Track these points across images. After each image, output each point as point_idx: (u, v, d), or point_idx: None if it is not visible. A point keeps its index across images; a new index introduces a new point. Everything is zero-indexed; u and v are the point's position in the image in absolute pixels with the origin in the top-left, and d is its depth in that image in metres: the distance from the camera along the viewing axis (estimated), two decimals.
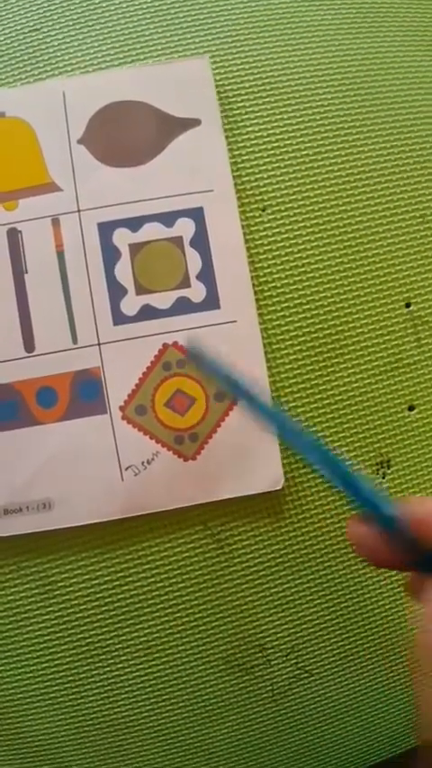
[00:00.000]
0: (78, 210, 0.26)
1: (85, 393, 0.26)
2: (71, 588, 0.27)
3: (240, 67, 0.28)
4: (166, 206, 0.26)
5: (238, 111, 0.27)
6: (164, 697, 0.28)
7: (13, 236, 0.26)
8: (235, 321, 0.26)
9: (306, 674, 0.28)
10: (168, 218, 0.26)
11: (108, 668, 0.27)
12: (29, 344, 0.26)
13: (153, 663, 0.27)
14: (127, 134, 0.27)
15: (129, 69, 0.27)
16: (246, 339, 0.26)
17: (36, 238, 0.26)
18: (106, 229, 0.26)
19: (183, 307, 0.26)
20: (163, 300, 0.26)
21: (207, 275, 0.26)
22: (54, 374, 0.26)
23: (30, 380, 0.26)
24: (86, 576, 0.27)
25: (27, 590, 0.27)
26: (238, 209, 0.27)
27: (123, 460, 0.25)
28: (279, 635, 0.28)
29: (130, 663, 0.27)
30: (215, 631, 0.27)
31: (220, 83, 0.27)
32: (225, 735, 0.29)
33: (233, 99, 0.27)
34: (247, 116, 0.27)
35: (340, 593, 0.28)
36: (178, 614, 0.27)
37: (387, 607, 0.29)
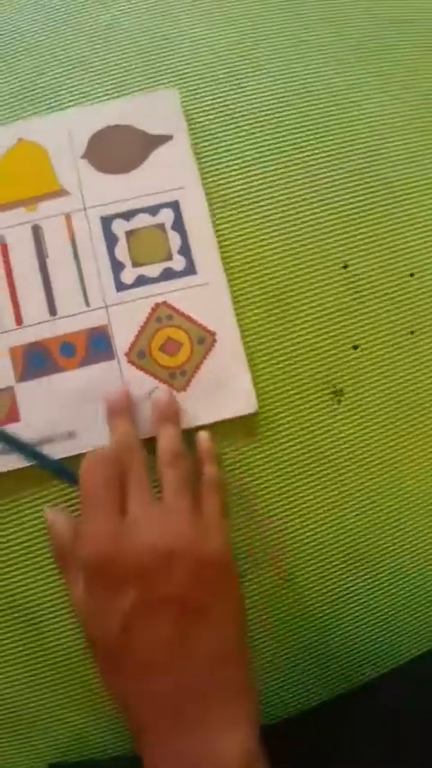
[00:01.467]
0: (84, 208, 0.34)
1: (97, 344, 0.33)
2: None
3: (202, 94, 0.36)
4: (151, 201, 0.34)
5: (201, 127, 0.36)
6: None
7: (36, 230, 0.34)
8: (208, 283, 0.34)
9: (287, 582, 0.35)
10: (153, 210, 0.34)
11: None
12: (52, 310, 0.34)
13: None
14: (118, 149, 0.35)
15: (117, 101, 0.36)
16: (218, 296, 0.34)
17: (53, 231, 0.34)
18: (107, 221, 0.34)
19: (168, 274, 0.34)
20: (153, 270, 0.34)
21: (185, 250, 0.34)
22: (72, 331, 0.33)
23: (54, 338, 0.33)
24: None
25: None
26: (207, 199, 0.35)
27: (131, 394, 0.33)
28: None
29: None
30: None
31: (187, 106, 0.36)
32: None
33: (197, 118, 0.36)
34: (209, 130, 0.36)
35: (314, 505, 0.35)
36: None
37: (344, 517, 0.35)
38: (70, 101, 0.36)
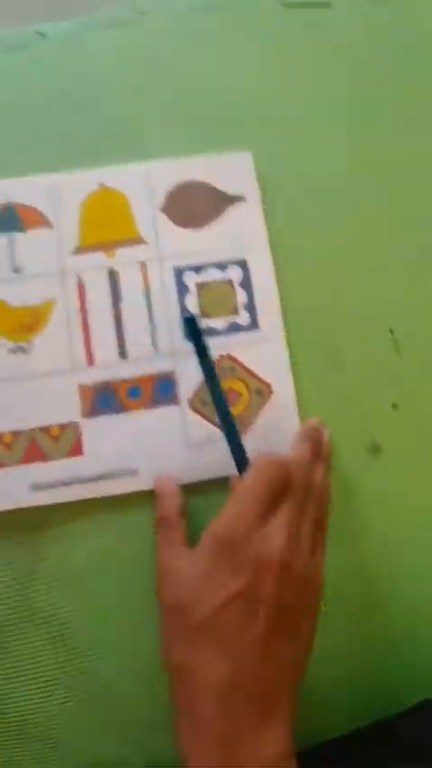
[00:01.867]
0: (159, 258, 0.36)
1: (163, 389, 0.35)
2: None
3: (275, 157, 0.39)
4: (221, 257, 0.37)
5: (272, 188, 0.38)
6: None
7: (113, 275, 0.36)
8: (269, 339, 0.36)
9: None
10: (223, 266, 0.37)
11: None
12: (122, 353, 0.35)
13: None
14: (193, 204, 0.37)
15: (195, 158, 0.38)
16: (277, 352, 0.36)
17: (129, 277, 0.36)
18: (179, 272, 0.36)
19: (233, 328, 0.36)
20: (219, 323, 0.36)
21: (250, 306, 0.36)
22: (140, 375, 0.35)
23: (123, 380, 0.35)
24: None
25: None
26: (272, 260, 0.37)
27: (190, 438, 0.35)
28: None
29: None
30: None
31: (260, 168, 0.38)
32: None
33: (269, 180, 0.38)
34: (279, 192, 0.38)
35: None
36: None
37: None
38: (152, 152, 0.38)
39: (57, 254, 0.36)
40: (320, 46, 0.41)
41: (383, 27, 0.43)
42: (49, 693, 0.35)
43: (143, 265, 0.36)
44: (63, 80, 0.40)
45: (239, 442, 0.33)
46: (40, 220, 0.37)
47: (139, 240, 0.36)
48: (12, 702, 0.34)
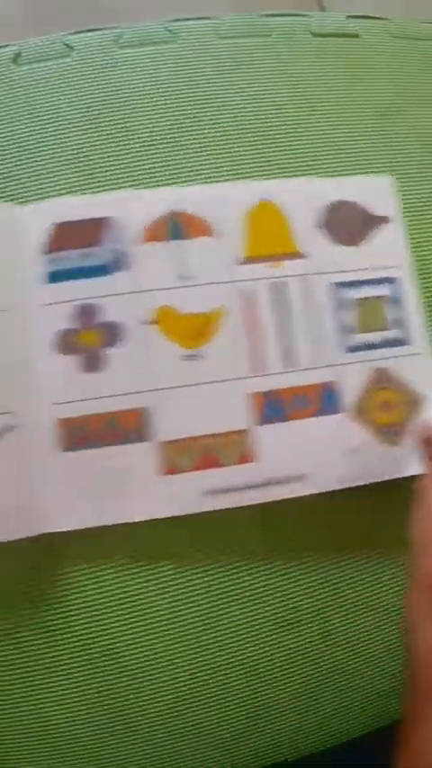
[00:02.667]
0: (319, 273, 0.38)
1: (327, 399, 0.37)
2: None
3: (415, 182, 0.42)
4: (374, 274, 0.39)
5: (414, 211, 0.41)
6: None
7: (279, 287, 0.38)
8: (420, 353, 0.39)
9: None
10: (375, 283, 0.39)
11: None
12: (290, 363, 0.37)
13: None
14: (345, 223, 0.39)
15: (345, 179, 0.40)
16: (427, 364, 0.39)
17: (294, 290, 0.38)
18: (337, 288, 0.38)
19: (388, 342, 0.39)
20: (375, 337, 0.38)
21: (401, 322, 0.39)
22: (307, 384, 0.37)
23: (291, 388, 0.37)
24: None
25: None
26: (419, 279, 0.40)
27: (351, 445, 0.37)
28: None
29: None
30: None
31: (402, 192, 0.41)
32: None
33: (410, 202, 0.41)
34: (419, 214, 0.41)
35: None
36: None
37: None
38: (305, 170, 0.40)
39: (224, 264, 0.38)
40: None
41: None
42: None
43: (304, 279, 0.38)
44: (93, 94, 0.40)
45: None
46: (204, 230, 0.38)
47: (299, 255, 0.38)
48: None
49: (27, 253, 0.37)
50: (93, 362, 0.36)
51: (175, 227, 0.38)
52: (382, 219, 0.40)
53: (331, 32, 0.44)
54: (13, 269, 0.37)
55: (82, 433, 0.36)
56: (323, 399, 0.37)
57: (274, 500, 0.36)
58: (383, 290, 0.39)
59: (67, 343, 0.37)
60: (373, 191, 0.40)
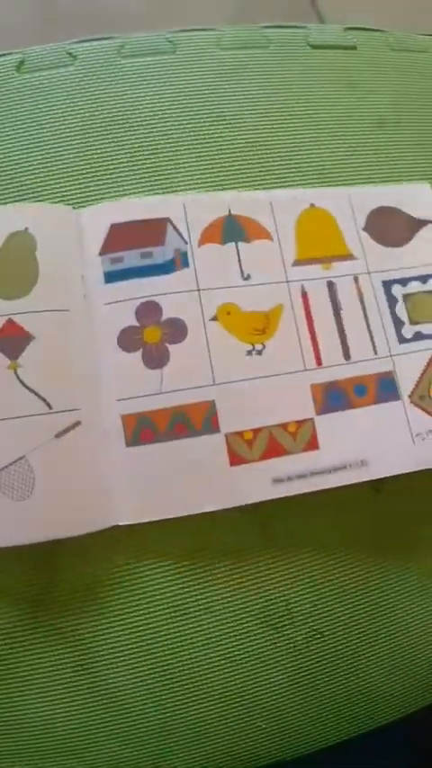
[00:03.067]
0: (368, 272, 0.40)
1: (384, 387, 0.39)
2: None
3: None
4: (420, 272, 0.41)
5: None
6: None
7: (331, 286, 0.39)
8: None
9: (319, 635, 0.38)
10: (423, 279, 0.41)
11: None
12: (347, 355, 0.39)
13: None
14: (390, 226, 0.42)
15: (387, 186, 0.43)
16: None
17: (345, 288, 0.40)
18: (387, 285, 0.40)
19: None
20: (427, 328, 0.40)
21: None
22: (364, 374, 0.39)
23: (349, 378, 0.38)
24: None
25: None
26: None
27: (413, 430, 0.38)
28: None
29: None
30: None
31: None
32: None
33: None
34: None
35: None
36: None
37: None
38: (353, 179, 0.42)
39: (280, 265, 0.39)
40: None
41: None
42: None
43: (355, 279, 0.40)
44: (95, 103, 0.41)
45: None
46: (262, 233, 0.40)
47: (349, 256, 0.40)
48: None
49: (86, 253, 0.38)
50: (157, 358, 0.37)
51: (234, 230, 0.39)
52: (424, 222, 0.42)
53: (329, 44, 0.45)
54: (72, 270, 0.38)
55: (148, 428, 0.37)
56: (380, 388, 0.39)
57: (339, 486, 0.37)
58: (430, 286, 0.41)
59: (130, 340, 0.38)
60: (413, 196, 0.43)
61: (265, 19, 0.46)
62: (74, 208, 0.39)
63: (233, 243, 0.39)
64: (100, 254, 0.38)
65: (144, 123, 0.42)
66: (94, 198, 0.40)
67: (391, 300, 0.40)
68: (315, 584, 0.38)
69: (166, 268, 0.38)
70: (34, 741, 0.36)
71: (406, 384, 0.39)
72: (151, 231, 0.39)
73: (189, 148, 0.41)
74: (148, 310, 0.38)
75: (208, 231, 0.39)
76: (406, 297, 0.40)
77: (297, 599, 0.38)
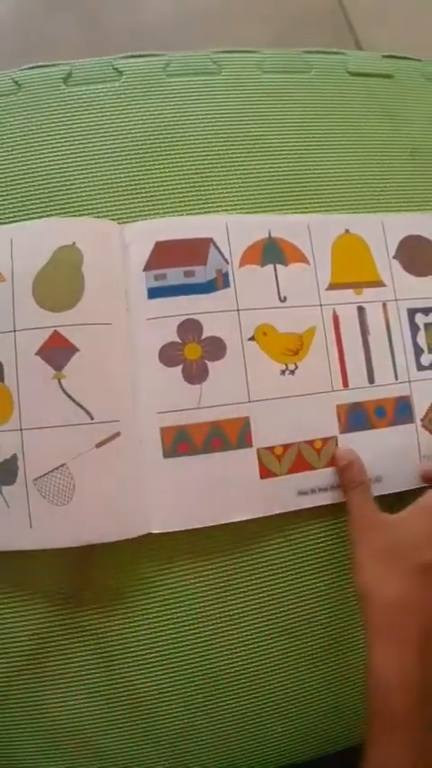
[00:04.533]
0: (396, 300, 0.43)
1: (401, 410, 0.42)
2: None
3: None
4: None
5: None
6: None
7: (361, 311, 0.42)
8: None
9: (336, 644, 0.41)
10: None
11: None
12: (371, 378, 0.41)
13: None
14: (418, 255, 0.44)
15: (419, 214, 0.44)
16: None
17: (373, 314, 0.42)
18: (411, 313, 0.43)
19: None
20: None
21: None
22: (385, 397, 0.41)
23: (371, 401, 0.41)
24: None
25: None
26: None
27: (422, 451, 0.42)
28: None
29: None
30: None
31: None
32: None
33: None
34: None
35: None
36: None
37: None
38: (386, 206, 0.44)
39: (315, 289, 0.41)
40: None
41: None
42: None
43: (384, 305, 0.42)
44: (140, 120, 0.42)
45: None
46: (299, 256, 0.41)
47: (380, 283, 0.43)
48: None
49: (130, 269, 0.39)
50: (196, 374, 0.39)
51: (273, 252, 0.41)
52: None
53: (367, 72, 0.47)
54: (117, 284, 0.39)
55: (185, 441, 0.39)
56: (398, 411, 0.42)
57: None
58: None
59: (171, 355, 0.39)
60: None
61: (303, 40, 0.46)
62: (118, 223, 0.40)
63: (272, 265, 0.41)
64: (144, 270, 0.39)
65: (188, 143, 0.42)
66: (138, 214, 0.41)
67: (414, 328, 0.43)
68: (338, 596, 0.41)
69: (207, 287, 0.40)
70: (62, 738, 0.39)
71: (420, 408, 0.42)
72: (195, 250, 0.40)
73: (231, 169, 0.42)
74: (190, 328, 0.39)
75: (249, 252, 0.41)
76: (427, 325, 0.43)
77: (318, 609, 0.41)
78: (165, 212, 0.41)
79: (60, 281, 0.38)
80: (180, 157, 0.42)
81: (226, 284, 0.40)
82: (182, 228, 0.40)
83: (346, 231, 0.43)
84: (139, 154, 0.42)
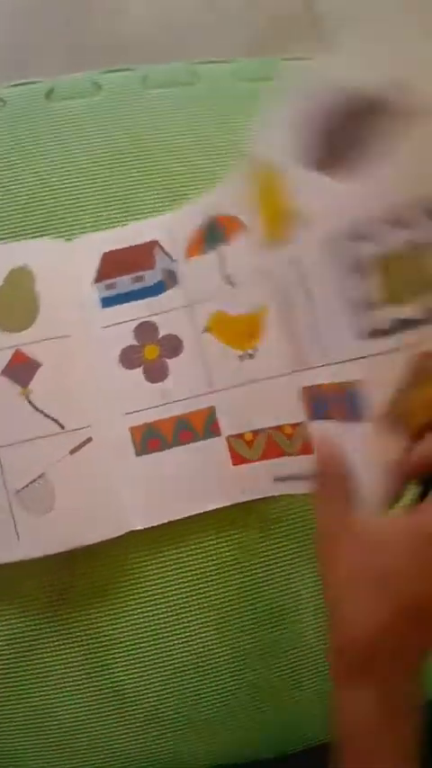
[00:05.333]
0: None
1: (351, 401, 0.32)
2: None
3: None
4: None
5: None
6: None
7: (298, 263, 0.33)
8: None
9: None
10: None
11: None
12: (323, 355, 0.34)
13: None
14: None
15: None
16: None
17: (309, 262, 0.32)
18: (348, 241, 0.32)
19: None
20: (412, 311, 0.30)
21: None
22: (339, 382, 0.33)
23: (329, 385, 0.34)
24: None
25: None
26: None
27: (381, 459, 0.32)
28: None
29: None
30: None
31: None
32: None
33: None
34: None
35: None
36: None
37: None
38: None
39: (255, 257, 0.36)
40: None
41: None
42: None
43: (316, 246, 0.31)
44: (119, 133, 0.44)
45: None
46: (236, 224, 0.38)
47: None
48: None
49: (81, 283, 0.41)
50: (157, 373, 0.40)
51: (214, 234, 0.39)
52: None
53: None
54: (71, 298, 0.41)
55: (155, 438, 0.40)
56: (348, 402, 0.32)
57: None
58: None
59: (131, 358, 0.41)
60: None
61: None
62: (66, 240, 0.42)
63: (215, 249, 0.39)
64: (96, 281, 0.41)
65: (162, 152, 0.43)
66: (92, 228, 0.42)
67: (355, 267, 0.31)
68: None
69: (156, 289, 0.41)
70: (54, 735, 0.40)
71: (374, 400, 0.31)
72: (141, 255, 0.41)
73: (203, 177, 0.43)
74: (145, 330, 0.41)
75: (192, 244, 0.41)
76: (379, 260, 0.30)
77: (307, 595, 0.41)
78: (134, 220, 0.43)
79: (16, 303, 0.40)
80: (152, 167, 0.44)
81: (174, 282, 0.41)
82: (126, 236, 0.42)
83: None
84: (110, 167, 0.44)
